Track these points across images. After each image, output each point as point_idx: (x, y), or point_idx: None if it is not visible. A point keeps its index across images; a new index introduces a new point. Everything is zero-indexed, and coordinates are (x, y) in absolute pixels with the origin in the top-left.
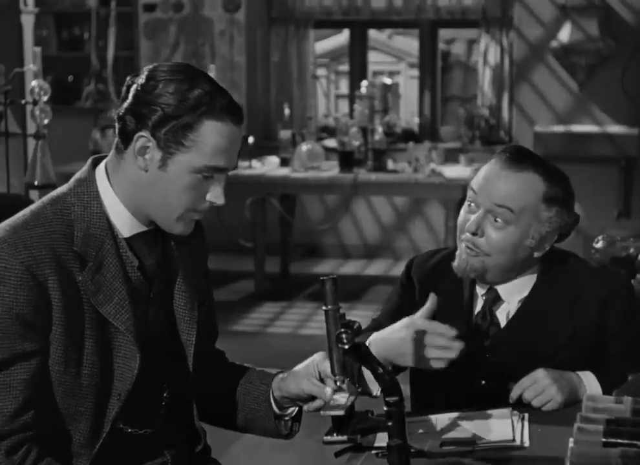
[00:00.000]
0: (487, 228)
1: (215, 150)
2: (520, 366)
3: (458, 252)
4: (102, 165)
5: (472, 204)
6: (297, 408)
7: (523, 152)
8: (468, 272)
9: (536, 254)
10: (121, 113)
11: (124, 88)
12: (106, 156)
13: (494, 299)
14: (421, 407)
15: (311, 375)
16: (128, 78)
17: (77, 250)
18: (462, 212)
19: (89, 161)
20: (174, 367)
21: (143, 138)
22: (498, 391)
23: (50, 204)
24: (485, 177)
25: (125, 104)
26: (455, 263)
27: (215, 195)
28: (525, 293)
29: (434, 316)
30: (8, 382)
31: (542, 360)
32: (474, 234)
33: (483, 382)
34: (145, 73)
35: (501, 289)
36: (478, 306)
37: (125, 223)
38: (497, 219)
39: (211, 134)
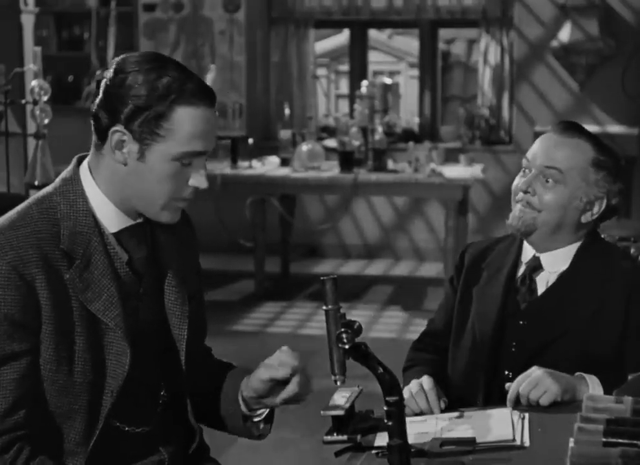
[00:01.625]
0: (538, 188)
1: (191, 135)
2: (550, 335)
3: (511, 213)
4: (85, 163)
5: (526, 170)
6: (267, 410)
7: (575, 124)
8: (520, 226)
9: (583, 219)
10: (94, 110)
11: (94, 83)
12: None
13: (535, 267)
14: (453, 376)
15: (268, 365)
16: (97, 73)
17: (64, 249)
18: (516, 178)
19: (74, 160)
20: (168, 363)
21: (118, 133)
22: (526, 356)
23: (35, 204)
24: (538, 144)
25: (97, 101)
26: (508, 221)
27: (197, 179)
28: (564, 267)
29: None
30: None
31: (569, 333)
32: (525, 192)
33: (514, 343)
34: (113, 66)
35: (543, 257)
36: (520, 271)
37: (112, 219)
38: (548, 179)
39: (184, 120)
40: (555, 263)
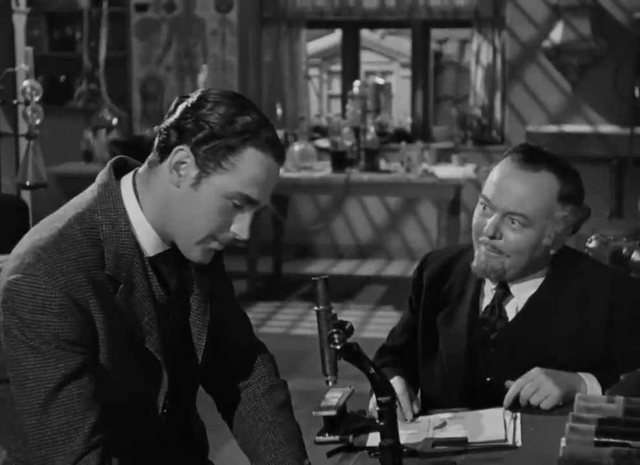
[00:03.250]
0: (505, 230)
1: (252, 179)
2: (526, 361)
3: (476, 254)
4: (129, 178)
5: (486, 207)
6: None
7: (536, 151)
8: (488, 273)
9: (552, 252)
10: (164, 127)
11: (172, 105)
12: (124, 159)
13: (504, 294)
14: (425, 403)
15: None
16: (177, 97)
17: (108, 274)
18: (477, 213)
19: (109, 168)
20: (181, 370)
21: (182, 152)
22: (498, 384)
23: (77, 222)
24: (499, 180)
25: (171, 119)
26: (474, 264)
27: (240, 227)
28: (533, 290)
29: (441, 308)
30: (77, 395)
31: (548, 356)
32: (492, 237)
33: (488, 379)
34: (198, 93)
35: (512, 285)
36: (487, 299)
37: (149, 242)
38: (514, 221)
39: (251, 162)
40: (524, 289)
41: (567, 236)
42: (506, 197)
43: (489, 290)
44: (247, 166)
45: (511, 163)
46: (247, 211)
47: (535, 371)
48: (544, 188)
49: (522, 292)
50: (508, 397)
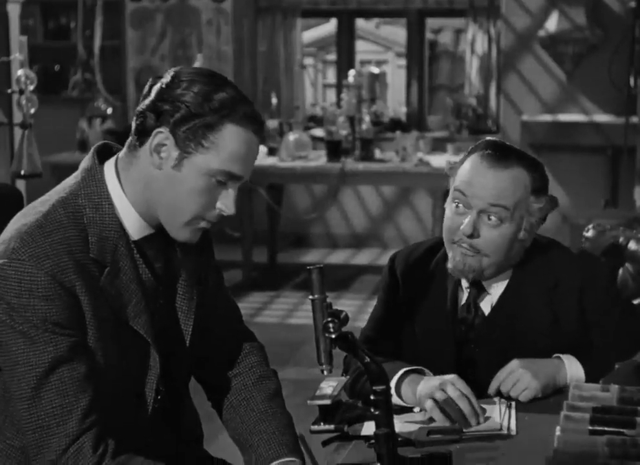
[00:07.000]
0: (482, 228)
1: (233, 155)
2: (504, 353)
3: (450, 255)
4: (111, 163)
5: (461, 205)
6: None
7: (504, 146)
8: (466, 273)
9: (526, 245)
10: (140, 110)
11: (146, 87)
12: (109, 144)
13: (478, 291)
14: None
15: None
16: (151, 79)
17: (93, 257)
18: (449, 213)
19: (93, 153)
20: (172, 355)
21: (161, 134)
22: (483, 380)
23: (61, 207)
24: (472, 178)
25: (147, 101)
26: (450, 266)
27: (226, 203)
28: (507, 282)
29: (417, 307)
30: (68, 378)
31: (526, 347)
32: (470, 235)
33: (469, 371)
34: (171, 73)
35: (486, 281)
36: (463, 298)
37: (134, 225)
38: (491, 217)
39: (231, 138)
40: (497, 284)
41: (538, 228)
42: (483, 192)
43: (465, 288)
44: (228, 143)
45: (482, 162)
46: (231, 187)
47: (514, 363)
48: (518, 182)
49: (495, 287)
50: (489, 391)
